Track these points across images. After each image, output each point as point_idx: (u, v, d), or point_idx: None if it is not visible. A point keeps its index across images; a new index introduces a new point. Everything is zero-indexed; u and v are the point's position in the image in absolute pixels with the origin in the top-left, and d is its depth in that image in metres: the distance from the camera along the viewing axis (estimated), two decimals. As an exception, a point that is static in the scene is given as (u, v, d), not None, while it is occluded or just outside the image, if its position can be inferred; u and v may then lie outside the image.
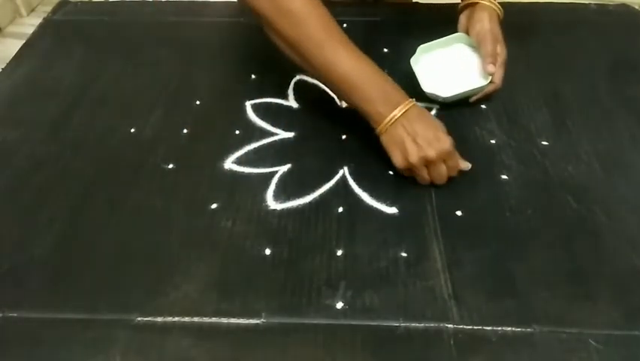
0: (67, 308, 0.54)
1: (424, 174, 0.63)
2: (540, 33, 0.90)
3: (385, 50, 0.85)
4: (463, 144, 0.70)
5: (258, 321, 0.52)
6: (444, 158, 0.62)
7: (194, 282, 0.55)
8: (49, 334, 0.52)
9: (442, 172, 0.63)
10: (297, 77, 0.80)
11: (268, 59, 0.84)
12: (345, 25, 0.90)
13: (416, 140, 0.62)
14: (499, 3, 0.77)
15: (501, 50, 0.74)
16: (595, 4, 0.97)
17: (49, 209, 0.63)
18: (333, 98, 0.77)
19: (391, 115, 0.62)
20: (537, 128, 0.72)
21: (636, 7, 0.95)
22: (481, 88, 0.73)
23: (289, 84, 0.79)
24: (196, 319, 0.52)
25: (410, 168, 0.63)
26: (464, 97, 0.74)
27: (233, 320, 0.52)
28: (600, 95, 0.77)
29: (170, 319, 0.52)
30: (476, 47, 0.76)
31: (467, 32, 0.77)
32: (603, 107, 0.75)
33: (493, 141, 0.71)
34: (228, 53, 0.87)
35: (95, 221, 0.62)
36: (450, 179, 0.64)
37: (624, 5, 0.95)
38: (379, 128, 0.63)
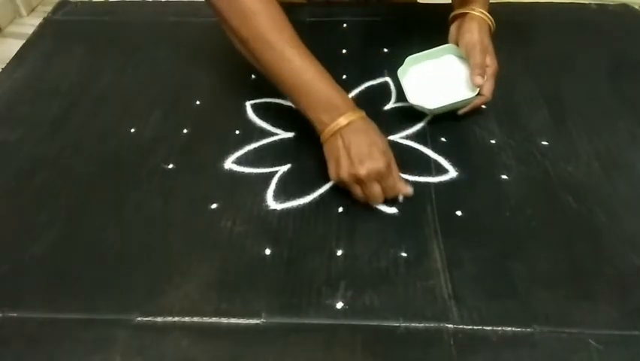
0: (67, 308, 0.54)
1: (356, 191, 0.61)
2: (540, 33, 0.90)
3: (385, 50, 0.85)
4: (463, 144, 0.70)
5: (258, 321, 0.52)
6: (376, 178, 0.59)
7: (194, 282, 0.55)
8: (49, 334, 0.52)
9: (374, 192, 0.60)
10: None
11: (268, 59, 0.84)
12: (345, 25, 0.91)
13: (350, 155, 0.59)
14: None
15: (491, 61, 0.71)
16: (595, 4, 0.97)
17: (49, 209, 0.63)
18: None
19: (333, 125, 0.60)
20: (537, 128, 0.72)
21: (636, 7, 0.95)
22: (469, 100, 0.71)
23: (289, 84, 0.79)
24: (196, 319, 0.52)
25: (342, 183, 0.61)
26: (452, 109, 0.72)
27: (233, 320, 0.52)
28: (600, 95, 0.77)
29: (170, 319, 0.52)
30: (465, 58, 0.73)
31: (457, 43, 0.75)
32: (603, 107, 0.75)
33: (493, 141, 0.71)
34: (228, 53, 0.86)
35: (95, 221, 0.62)
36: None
37: (624, 5, 0.95)
38: (322, 138, 0.62)
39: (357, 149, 0.59)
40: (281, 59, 0.62)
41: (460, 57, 0.75)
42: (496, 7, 0.97)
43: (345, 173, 0.59)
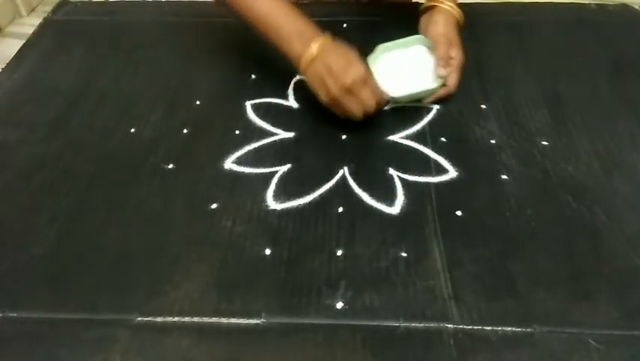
0: (67, 308, 0.54)
1: (350, 104, 0.65)
2: (540, 33, 0.90)
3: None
4: (463, 144, 0.70)
5: (258, 321, 0.52)
6: (362, 82, 0.64)
7: (194, 282, 0.55)
8: (50, 334, 0.52)
9: (366, 97, 0.65)
10: (297, 77, 0.80)
11: (268, 59, 0.84)
12: (345, 25, 0.91)
13: (331, 72, 0.64)
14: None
15: (456, 53, 0.74)
16: (595, 4, 0.97)
17: (49, 209, 0.63)
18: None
19: (308, 53, 0.65)
20: (537, 128, 0.72)
21: (636, 7, 0.95)
22: (432, 90, 0.73)
23: (289, 84, 0.79)
24: (196, 319, 0.52)
25: (336, 101, 0.65)
26: (416, 98, 0.74)
27: (233, 320, 0.52)
28: (600, 95, 0.77)
29: (170, 319, 0.52)
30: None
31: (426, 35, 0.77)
32: (603, 107, 0.75)
33: (493, 141, 0.71)
34: (228, 53, 0.87)
35: (95, 221, 0.62)
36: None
37: (624, 5, 0.95)
38: (301, 68, 0.66)
39: (336, 65, 0.64)
40: (252, 1, 0.68)
41: (429, 48, 0.77)
42: (496, 7, 0.98)
43: (334, 88, 0.64)
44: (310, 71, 0.65)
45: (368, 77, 0.65)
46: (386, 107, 0.75)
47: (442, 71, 0.73)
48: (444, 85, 0.74)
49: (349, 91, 0.64)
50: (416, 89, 0.73)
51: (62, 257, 0.58)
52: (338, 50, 0.66)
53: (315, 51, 0.64)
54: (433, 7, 0.77)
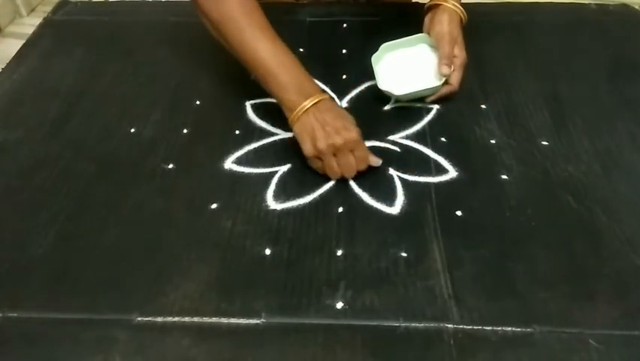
0: (67, 308, 0.54)
1: (332, 163, 0.63)
2: (540, 33, 0.90)
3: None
4: (463, 144, 0.70)
5: (258, 321, 0.52)
6: (351, 147, 0.63)
7: (194, 282, 0.55)
8: (50, 334, 0.52)
9: (349, 162, 0.63)
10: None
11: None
12: (345, 25, 0.91)
13: (325, 128, 0.63)
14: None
15: (459, 52, 0.74)
16: (595, 4, 0.97)
17: (49, 209, 0.63)
18: (333, 98, 0.77)
19: (303, 104, 0.63)
20: (537, 128, 0.72)
21: (636, 7, 0.95)
22: (435, 88, 0.74)
23: (289, 84, 0.79)
24: (196, 319, 0.52)
25: (319, 157, 0.64)
26: (419, 96, 0.75)
27: (233, 320, 0.52)
28: (600, 95, 0.77)
29: (170, 319, 0.52)
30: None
31: (430, 33, 0.77)
32: (603, 107, 0.75)
33: (493, 141, 0.71)
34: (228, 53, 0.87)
35: (95, 221, 0.62)
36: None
37: (624, 5, 0.95)
38: (292, 117, 0.65)
39: (331, 122, 0.63)
40: (250, 42, 0.65)
41: (433, 47, 0.77)
42: (496, 7, 0.98)
43: (323, 144, 0.62)
44: (301, 121, 0.64)
45: (357, 145, 0.63)
46: (387, 107, 0.76)
47: (446, 70, 0.73)
48: (447, 83, 0.74)
49: (336, 151, 0.63)
50: (419, 88, 0.73)
51: (62, 257, 0.58)
52: (337, 110, 0.65)
53: (311, 104, 0.63)
54: (436, 5, 0.77)
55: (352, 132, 0.63)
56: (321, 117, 0.63)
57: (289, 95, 0.64)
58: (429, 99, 0.75)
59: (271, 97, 0.77)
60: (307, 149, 0.64)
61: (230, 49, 0.68)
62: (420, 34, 0.78)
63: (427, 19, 0.79)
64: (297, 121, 0.64)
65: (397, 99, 0.75)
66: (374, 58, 0.76)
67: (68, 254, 0.58)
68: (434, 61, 0.75)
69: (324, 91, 0.67)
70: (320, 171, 0.65)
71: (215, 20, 0.67)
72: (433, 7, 0.78)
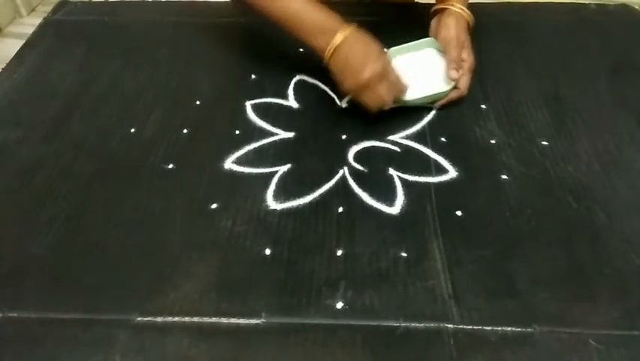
0: (67, 308, 0.54)
1: (366, 99, 0.67)
2: (540, 33, 0.90)
3: (385, 49, 0.85)
4: (463, 144, 0.70)
5: (258, 321, 0.52)
6: (379, 78, 0.66)
7: (194, 282, 0.55)
8: (50, 334, 0.52)
9: (382, 92, 0.67)
10: (297, 77, 0.80)
11: (268, 59, 0.84)
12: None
13: (349, 66, 0.66)
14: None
15: (467, 56, 0.74)
16: (595, 4, 0.97)
17: (49, 209, 0.63)
18: (333, 99, 0.77)
19: (330, 45, 0.66)
20: (537, 128, 0.72)
21: (636, 7, 0.95)
22: (444, 93, 0.73)
23: (289, 84, 0.79)
24: (196, 319, 0.52)
25: (354, 93, 0.68)
26: (428, 101, 0.74)
27: (233, 320, 0.52)
28: (600, 95, 0.77)
29: (170, 319, 0.52)
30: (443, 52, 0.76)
31: (437, 37, 0.77)
32: (603, 107, 0.75)
33: (493, 141, 0.71)
34: (228, 53, 0.87)
35: (95, 221, 0.62)
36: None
37: (624, 5, 0.95)
38: (324, 60, 0.68)
39: (355, 59, 0.66)
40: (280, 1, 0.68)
41: (440, 51, 0.77)
42: (496, 7, 0.98)
43: (351, 82, 0.66)
44: (332, 62, 0.67)
45: (385, 72, 0.66)
46: (386, 108, 0.75)
47: (455, 74, 0.72)
48: (456, 87, 0.73)
49: (366, 86, 0.66)
50: (428, 93, 0.73)
51: (62, 257, 0.58)
52: (359, 43, 0.67)
53: (336, 43, 0.66)
54: (443, 9, 0.76)
55: (376, 63, 0.66)
56: (345, 55, 0.66)
57: (316, 40, 0.67)
58: (437, 104, 0.74)
59: (271, 97, 0.77)
60: (349, 83, 0.67)
61: (258, 11, 0.70)
62: (427, 39, 0.77)
63: (433, 22, 0.79)
64: (329, 62, 0.67)
65: (406, 104, 0.74)
66: None
67: (68, 254, 0.58)
68: (442, 65, 0.75)
69: (350, 22, 0.69)
70: (368, 103, 0.68)
71: None
72: (440, 11, 0.77)
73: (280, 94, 0.78)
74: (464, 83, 0.74)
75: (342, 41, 0.66)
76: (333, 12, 0.68)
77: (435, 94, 0.73)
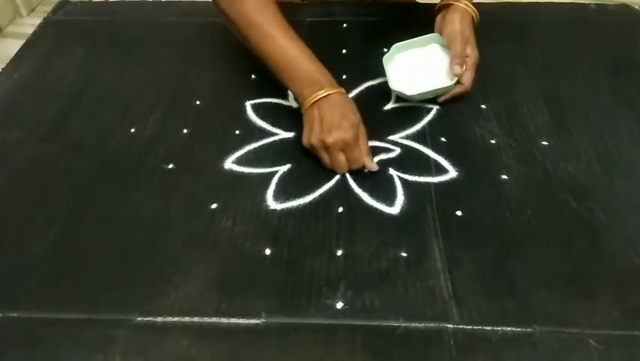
0: (67, 308, 0.54)
1: (324, 158, 0.66)
2: (540, 33, 0.90)
3: (385, 50, 0.84)
4: (463, 144, 0.70)
5: (258, 321, 0.52)
6: (341, 147, 0.64)
7: (194, 282, 0.55)
8: (49, 334, 0.52)
9: (339, 160, 0.65)
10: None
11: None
12: (345, 25, 0.91)
13: (322, 123, 0.65)
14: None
15: (471, 51, 0.74)
16: (595, 4, 0.97)
17: (49, 209, 0.63)
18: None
19: (312, 96, 0.66)
20: (537, 128, 0.72)
21: (636, 7, 0.95)
22: (448, 88, 0.73)
23: (289, 84, 0.79)
24: (196, 319, 0.52)
25: (312, 150, 0.66)
26: (431, 96, 0.75)
27: (233, 320, 0.52)
28: (600, 95, 0.77)
29: (170, 319, 0.52)
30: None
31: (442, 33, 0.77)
32: (603, 107, 0.75)
33: (493, 141, 0.71)
34: (228, 53, 0.87)
35: (95, 221, 0.62)
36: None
37: (624, 5, 0.95)
38: (302, 109, 0.68)
39: (329, 119, 0.64)
40: (266, 37, 0.67)
41: (444, 46, 0.77)
42: (496, 7, 0.98)
43: (315, 138, 0.65)
44: (307, 113, 0.66)
45: (350, 143, 0.64)
46: (387, 107, 0.76)
47: (458, 69, 0.72)
48: (459, 83, 0.73)
49: (327, 148, 0.64)
50: (431, 87, 0.73)
51: (62, 257, 0.58)
52: (339, 106, 0.65)
53: (320, 96, 0.65)
54: (448, 5, 0.77)
55: (346, 132, 0.63)
56: (322, 112, 0.65)
57: (301, 89, 0.67)
58: (441, 99, 0.75)
59: (271, 97, 0.77)
60: (303, 139, 0.67)
61: (248, 45, 0.70)
62: (432, 34, 0.78)
63: (438, 18, 0.79)
64: (305, 113, 0.67)
65: (410, 99, 0.74)
66: (385, 58, 0.76)
67: (68, 254, 0.58)
68: (446, 60, 0.75)
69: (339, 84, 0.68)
70: (323, 161, 0.66)
71: (232, 18, 0.69)
72: (445, 7, 0.78)
73: (280, 94, 0.78)
74: (468, 78, 0.73)
75: (326, 97, 0.65)
76: (325, 69, 0.68)
77: (437, 89, 0.73)
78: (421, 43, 0.77)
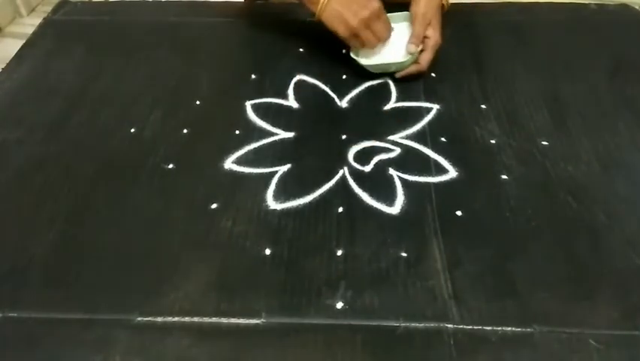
0: (68, 308, 0.54)
1: (368, 36, 0.73)
2: (540, 33, 0.90)
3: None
4: (463, 144, 0.70)
5: (258, 321, 0.52)
6: (376, 16, 0.73)
7: (194, 282, 0.55)
8: (50, 334, 0.52)
9: (380, 29, 0.74)
10: (297, 77, 0.80)
11: (268, 59, 0.84)
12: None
13: (350, 7, 0.72)
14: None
15: (433, 33, 0.77)
16: (595, 4, 0.97)
17: (49, 209, 0.63)
18: (333, 99, 0.77)
19: None
20: (537, 128, 0.72)
21: (636, 7, 0.95)
22: (402, 64, 0.77)
23: (289, 84, 0.79)
24: (196, 319, 0.52)
25: (355, 34, 0.73)
26: (387, 70, 0.79)
27: (233, 320, 0.52)
28: (600, 95, 0.77)
29: (170, 319, 0.52)
30: None
31: None
32: (603, 107, 0.75)
33: (493, 141, 0.71)
34: (228, 53, 0.87)
35: (95, 221, 0.62)
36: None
37: (624, 5, 0.95)
38: (318, 12, 0.73)
39: (353, 2, 0.72)
40: None
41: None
42: (496, 6, 0.98)
43: (353, 21, 0.72)
44: (327, 12, 0.72)
45: (381, 11, 0.73)
46: (387, 107, 0.76)
47: (412, 48, 0.76)
48: (417, 62, 0.77)
49: (367, 23, 0.72)
50: (385, 61, 0.78)
51: (62, 257, 0.58)
52: None
53: None
54: None
55: (374, 2, 0.72)
56: (342, 1, 0.71)
57: None
58: (397, 75, 0.79)
59: (271, 97, 0.77)
60: (342, 31, 0.73)
61: None
62: (404, 12, 0.81)
63: None
64: (324, 12, 0.73)
65: (369, 70, 0.78)
66: None
67: (68, 254, 0.58)
68: (407, 39, 0.79)
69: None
70: (359, 46, 0.75)
71: None
72: None
73: (280, 94, 0.78)
74: (425, 58, 0.77)
75: None
76: None
77: (391, 63, 0.77)
78: (393, 20, 0.80)
